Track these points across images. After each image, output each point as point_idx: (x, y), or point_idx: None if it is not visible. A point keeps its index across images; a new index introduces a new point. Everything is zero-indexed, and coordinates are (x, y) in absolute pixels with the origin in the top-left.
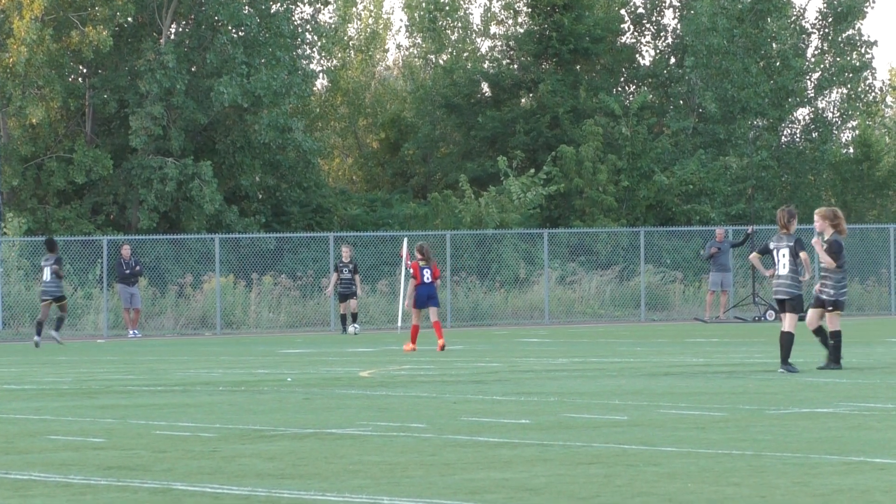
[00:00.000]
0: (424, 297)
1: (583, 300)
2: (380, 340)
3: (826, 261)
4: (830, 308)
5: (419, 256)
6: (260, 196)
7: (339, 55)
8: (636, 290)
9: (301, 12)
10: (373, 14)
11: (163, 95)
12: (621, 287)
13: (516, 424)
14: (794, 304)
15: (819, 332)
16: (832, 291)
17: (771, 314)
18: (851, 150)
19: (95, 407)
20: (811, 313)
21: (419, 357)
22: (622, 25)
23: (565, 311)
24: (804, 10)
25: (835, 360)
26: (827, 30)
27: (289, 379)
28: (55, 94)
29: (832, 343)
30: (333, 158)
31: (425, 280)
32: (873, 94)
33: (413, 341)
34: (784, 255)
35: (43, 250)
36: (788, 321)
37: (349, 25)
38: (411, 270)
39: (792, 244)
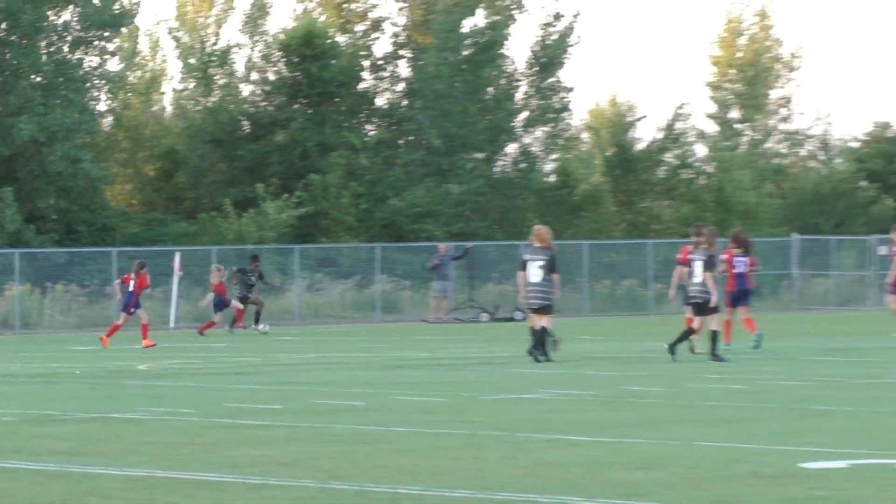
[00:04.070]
0: None
1: (328, 305)
2: (153, 339)
3: None
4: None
5: None
6: (54, 217)
7: (122, 97)
8: (373, 296)
9: (90, 61)
10: (151, 63)
11: None
12: (360, 293)
13: (271, 409)
14: None
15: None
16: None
17: (484, 316)
18: (553, 179)
19: None
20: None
21: (189, 353)
22: (362, 73)
23: (313, 313)
24: (514, 60)
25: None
26: (533, 77)
27: (77, 371)
28: None
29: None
30: (116, 185)
31: None
32: (570, 132)
33: None
34: None
35: None
36: None
37: (131, 73)
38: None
39: None
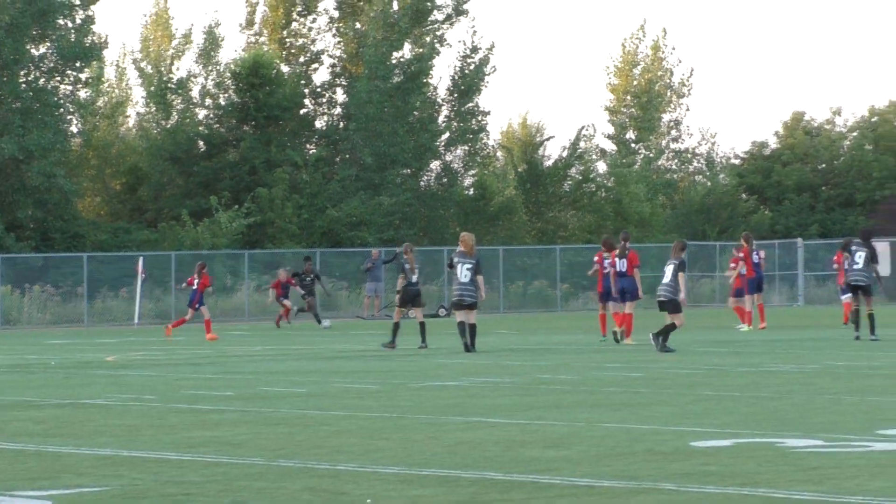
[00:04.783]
0: None
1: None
2: (119, 333)
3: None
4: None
5: None
6: (31, 225)
7: (91, 120)
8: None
9: (64, 89)
10: (116, 89)
11: None
12: None
13: (223, 395)
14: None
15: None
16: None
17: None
18: (472, 192)
19: None
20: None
21: (150, 347)
22: (303, 99)
23: (261, 311)
24: (436, 88)
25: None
26: (454, 102)
27: (52, 362)
28: None
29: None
30: (86, 197)
31: None
32: (487, 150)
33: None
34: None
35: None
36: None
37: (99, 98)
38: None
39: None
